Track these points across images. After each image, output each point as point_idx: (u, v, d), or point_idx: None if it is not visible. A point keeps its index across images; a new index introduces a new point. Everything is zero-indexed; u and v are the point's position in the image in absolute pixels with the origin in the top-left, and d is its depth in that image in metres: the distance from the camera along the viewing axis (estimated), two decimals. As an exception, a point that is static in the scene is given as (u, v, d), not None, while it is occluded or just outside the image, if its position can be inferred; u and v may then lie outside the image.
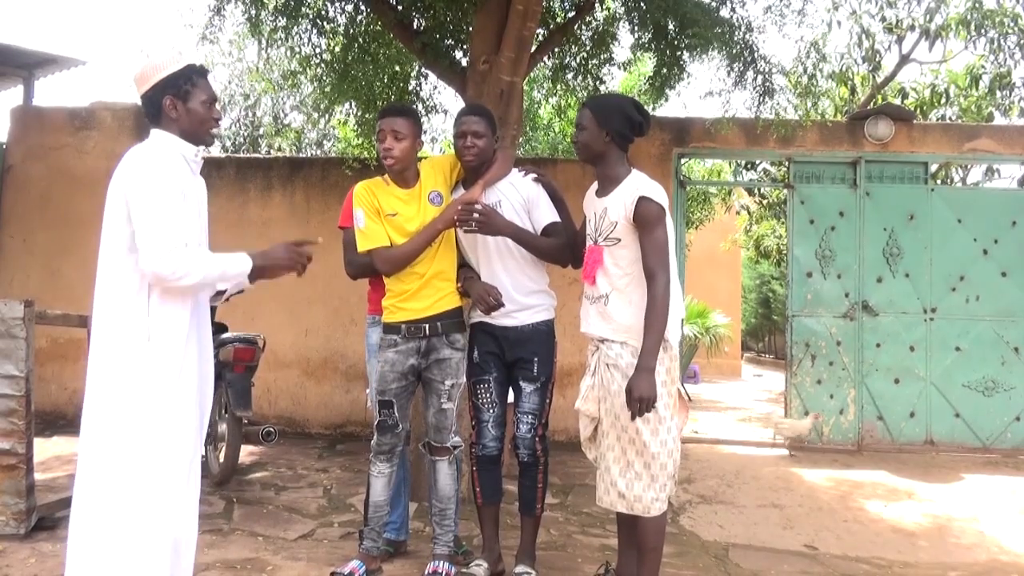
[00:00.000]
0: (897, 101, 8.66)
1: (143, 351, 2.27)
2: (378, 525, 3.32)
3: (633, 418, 2.71)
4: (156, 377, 2.27)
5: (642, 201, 2.79)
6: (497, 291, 3.19)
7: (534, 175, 3.34)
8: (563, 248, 3.27)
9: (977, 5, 7.37)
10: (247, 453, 5.55)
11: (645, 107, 3.07)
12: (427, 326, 3.20)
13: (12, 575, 3.17)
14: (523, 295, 3.26)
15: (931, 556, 4.05)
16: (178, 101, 2.39)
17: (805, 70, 6.07)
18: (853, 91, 9.03)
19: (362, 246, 3.22)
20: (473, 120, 3.23)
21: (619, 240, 2.87)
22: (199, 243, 2.42)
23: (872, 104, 8.18)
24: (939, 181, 8.59)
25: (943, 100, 8.89)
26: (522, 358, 3.25)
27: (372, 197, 3.23)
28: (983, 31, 7.45)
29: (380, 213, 3.21)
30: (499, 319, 3.25)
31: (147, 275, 2.25)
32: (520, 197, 3.28)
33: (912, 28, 8.11)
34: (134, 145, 2.39)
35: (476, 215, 3.10)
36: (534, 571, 3.24)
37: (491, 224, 3.14)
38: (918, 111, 8.52)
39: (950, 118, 8.94)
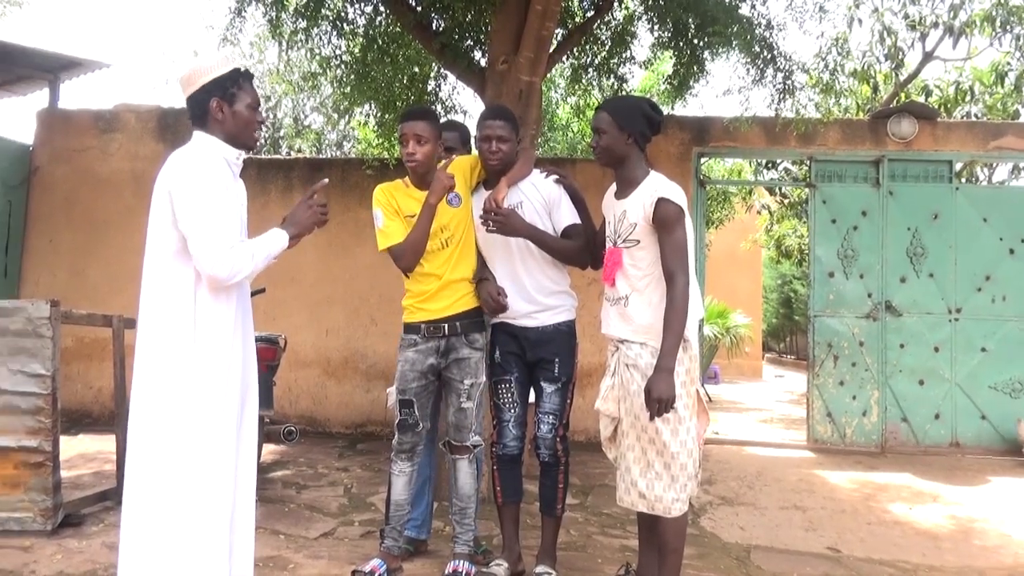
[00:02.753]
0: (920, 99, 8.56)
1: (189, 352, 2.30)
2: (399, 524, 3.33)
3: (652, 418, 2.70)
4: (202, 377, 2.31)
5: (661, 202, 2.78)
6: (502, 293, 3.20)
7: (555, 176, 3.34)
8: (582, 250, 3.26)
9: (1002, 1, 7.27)
10: (268, 452, 5.60)
11: (659, 105, 3.06)
12: (446, 326, 3.21)
13: (39, 571, 3.21)
14: (544, 296, 3.26)
15: (956, 559, 4.00)
16: (224, 103, 2.42)
17: (827, 65, 6.01)
18: (875, 89, 8.94)
19: (382, 244, 3.24)
20: (498, 125, 3.23)
21: (638, 242, 2.86)
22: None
23: (895, 102, 8.09)
24: (964, 180, 8.48)
25: (968, 98, 8.78)
26: (543, 359, 3.25)
27: (391, 198, 3.26)
28: (1008, 27, 7.33)
29: (399, 214, 3.23)
30: (520, 320, 3.26)
31: (204, 278, 2.30)
32: (541, 198, 3.28)
33: (936, 25, 8.01)
34: (157, 146, 2.45)
35: (496, 216, 3.11)
36: (554, 571, 3.23)
37: (509, 225, 3.15)
38: (942, 109, 8.42)
39: (975, 116, 8.82)
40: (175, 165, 2.34)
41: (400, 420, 3.28)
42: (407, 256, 3.19)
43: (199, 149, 2.40)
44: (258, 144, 2.61)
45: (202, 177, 2.31)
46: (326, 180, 2.71)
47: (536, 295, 3.25)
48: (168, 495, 2.27)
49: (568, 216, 3.28)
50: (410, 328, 3.27)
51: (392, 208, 3.24)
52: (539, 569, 3.22)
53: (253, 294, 4.39)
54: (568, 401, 3.28)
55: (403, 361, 3.26)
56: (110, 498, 4.12)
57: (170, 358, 2.30)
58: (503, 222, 3.13)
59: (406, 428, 3.27)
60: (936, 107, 7.84)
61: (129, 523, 2.30)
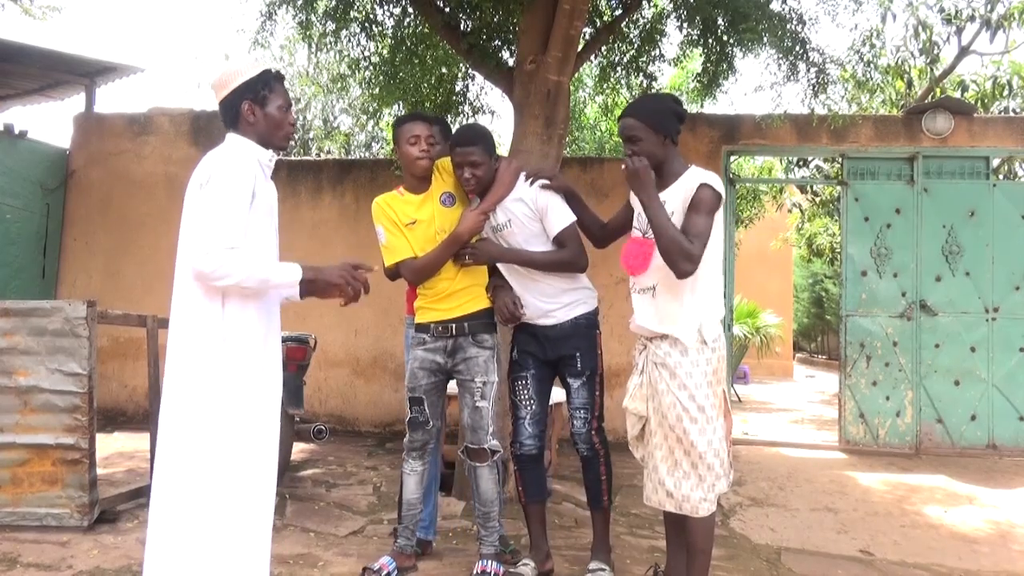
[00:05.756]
0: (956, 95, 8.39)
1: (218, 352, 2.33)
2: (412, 523, 3.38)
3: (626, 166, 2.75)
4: (231, 377, 2.34)
5: (703, 187, 2.76)
6: (518, 304, 3.20)
7: (541, 181, 3.25)
8: (570, 259, 3.21)
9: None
10: (299, 450, 5.66)
11: (684, 100, 3.05)
12: (455, 326, 3.25)
13: (76, 566, 3.28)
14: (555, 297, 3.24)
15: (993, 563, 3.92)
16: (256, 106, 2.46)
17: (861, 57, 5.91)
18: (910, 85, 8.78)
19: (388, 261, 3.31)
20: (468, 151, 3.14)
21: None
22: (267, 246, 2.48)
23: (930, 98, 7.94)
24: (1001, 176, 8.30)
25: (1005, 92, 8.58)
26: (564, 355, 3.24)
27: (389, 211, 3.29)
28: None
29: (398, 225, 3.27)
30: (538, 319, 3.26)
31: (191, 268, 2.31)
32: (529, 210, 3.22)
33: (972, 18, 7.85)
34: (190, 149, 2.49)
35: (467, 250, 3.16)
36: (608, 567, 3.21)
37: (483, 254, 3.19)
38: (979, 104, 8.24)
39: (1013, 111, 8.63)
40: (211, 161, 2.38)
41: (411, 418, 3.33)
42: (421, 275, 3.26)
43: (234, 150, 2.44)
44: (289, 144, 2.64)
45: (236, 175, 2.34)
46: (376, 266, 2.72)
47: (546, 299, 3.24)
48: (196, 495, 2.29)
49: (558, 221, 3.21)
50: (421, 327, 3.33)
51: (391, 221, 3.28)
52: (592, 565, 3.21)
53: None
54: (597, 393, 3.27)
55: (413, 359, 3.32)
56: (144, 495, 4.19)
57: (199, 360, 2.33)
58: (475, 254, 3.18)
59: (416, 425, 3.32)
60: (973, 102, 7.68)
61: (156, 522, 2.33)
